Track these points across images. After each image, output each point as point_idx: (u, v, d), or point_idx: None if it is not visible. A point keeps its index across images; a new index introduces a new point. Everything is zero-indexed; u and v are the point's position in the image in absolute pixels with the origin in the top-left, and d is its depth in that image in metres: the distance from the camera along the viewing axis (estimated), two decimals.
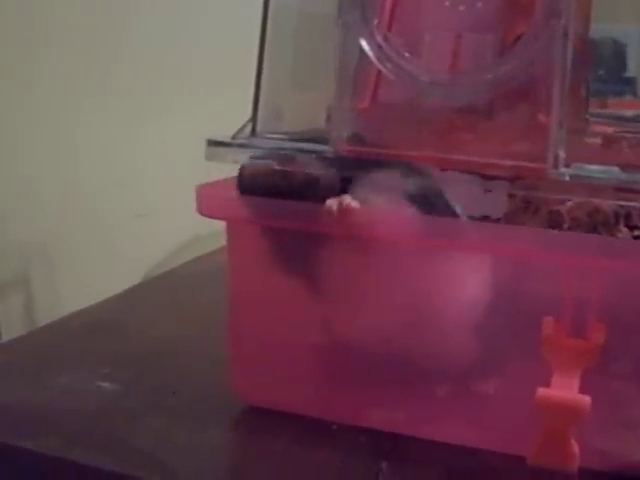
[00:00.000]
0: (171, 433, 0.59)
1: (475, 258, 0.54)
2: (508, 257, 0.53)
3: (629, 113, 0.63)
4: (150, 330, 0.79)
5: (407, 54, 0.55)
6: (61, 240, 1.10)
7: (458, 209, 0.55)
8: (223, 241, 0.62)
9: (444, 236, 0.53)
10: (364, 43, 0.55)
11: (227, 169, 0.60)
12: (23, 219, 1.04)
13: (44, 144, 1.06)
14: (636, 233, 0.56)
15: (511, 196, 0.61)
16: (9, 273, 1.04)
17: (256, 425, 0.61)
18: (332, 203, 0.52)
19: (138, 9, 1.21)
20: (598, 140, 0.60)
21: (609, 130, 0.61)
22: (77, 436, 0.59)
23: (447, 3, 0.58)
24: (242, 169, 0.57)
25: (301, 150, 0.56)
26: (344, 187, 0.55)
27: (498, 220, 0.57)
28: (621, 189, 0.50)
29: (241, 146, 0.58)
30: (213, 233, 0.86)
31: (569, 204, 0.58)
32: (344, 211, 0.52)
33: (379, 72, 0.56)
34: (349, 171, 0.55)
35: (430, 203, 0.54)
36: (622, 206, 0.57)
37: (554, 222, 0.58)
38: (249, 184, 0.56)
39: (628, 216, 0.58)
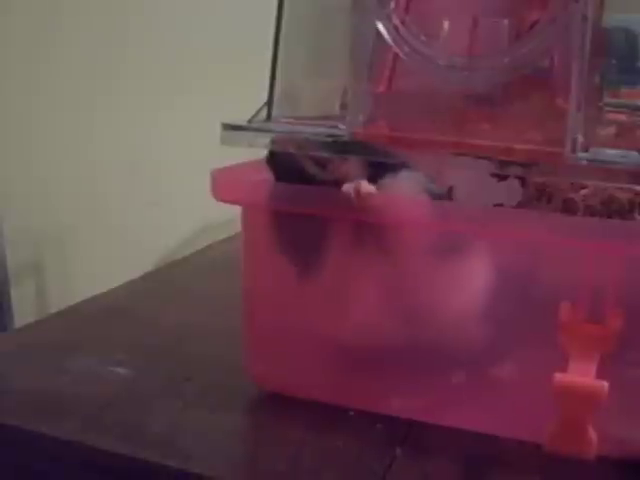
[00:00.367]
0: (186, 418, 0.60)
1: (492, 243, 0.54)
2: (525, 242, 0.53)
3: None
4: (164, 317, 0.80)
5: (424, 37, 0.55)
6: (74, 228, 1.10)
7: None
8: (235, 229, 0.62)
9: (461, 221, 0.53)
10: (381, 26, 0.55)
11: (237, 160, 0.60)
12: (36, 207, 1.04)
13: (57, 132, 1.06)
14: None
15: (525, 185, 0.60)
16: (22, 260, 1.04)
17: (271, 411, 0.61)
18: (349, 188, 0.52)
19: None
20: (613, 128, 0.59)
21: (623, 118, 0.60)
22: (92, 421, 0.59)
23: None
24: (273, 155, 0.57)
25: (317, 134, 0.55)
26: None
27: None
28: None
29: (257, 130, 0.58)
30: (225, 221, 0.86)
31: (583, 192, 0.58)
32: (362, 196, 0.52)
33: (395, 56, 0.56)
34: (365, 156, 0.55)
35: None
36: (637, 194, 0.57)
37: (568, 210, 0.57)
38: (284, 170, 0.56)
39: None
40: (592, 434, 0.48)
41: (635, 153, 0.50)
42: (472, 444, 0.57)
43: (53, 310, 0.86)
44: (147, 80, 1.19)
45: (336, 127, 0.56)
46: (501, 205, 0.62)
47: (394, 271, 0.55)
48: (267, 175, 0.58)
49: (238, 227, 0.61)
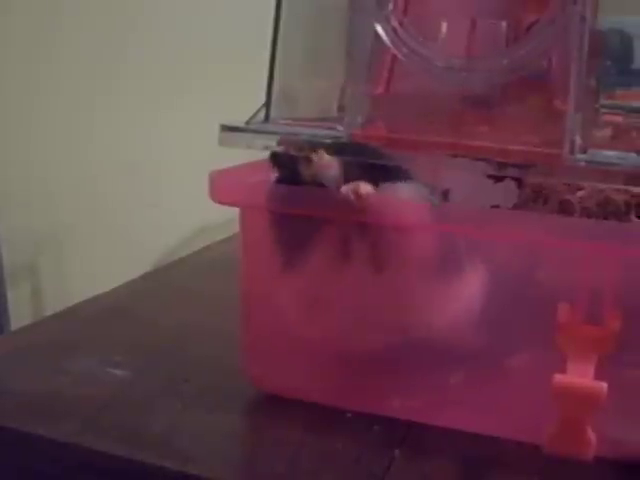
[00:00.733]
0: (184, 420, 0.59)
1: (490, 245, 0.54)
2: (523, 244, 0.53)
3: (638, 104, 0.63)
4: (162, 318, 0.79)
5: (422, 39, 0.55)
6: (70, 228, 1.10)
7: None
8: (232, 230, 0.62)
9: (458, 222, 0.53)
10: (379, 28, 0.55)
11: (236, 161, 0.60)
12: (33, 207, 1.04)
13: (56, 133, 1.06)
14: None
15: (521, 186, 0.61)
16: (18, 261, 1.04)
17: (269, 412, 0.61)
18: (348, 189, 0.52)
19: None
20: (609, 130, 0.59)
21: (619, 120, 0.60)
22: (90, 423, 0.59)
23: None
24: (276, 157, 0.57)
25: (315, 136, 0.55)
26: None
27: None
28: (638, 176, 0.50)
29: (255, 131, 0.58)
30: (222, 222, 0.86)
31: (580, 194, 0.58)
32: (361, 197, 0.52)
33: (394, 58, 0.56)
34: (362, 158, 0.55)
35: None
36: (633, 196, 0.57)
37: (565, 212, 0.57)
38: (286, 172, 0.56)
39: (639, 206, 0.57)
40: (591, 435, 0.48)
41: (633, 154, 0.50)
42: (471, 445, 0.57)
43: (49, 312, 0.86)
44: (146, 81, 1.19)
45: (334, 129, 0.56)
46: (497, 207, 0.62)
47: (392, 273, 0.55)
48: (265, 176, 0.58)
49: (236, 228, 0.61)
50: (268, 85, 0.59)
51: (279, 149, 0.56)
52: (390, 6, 0.55)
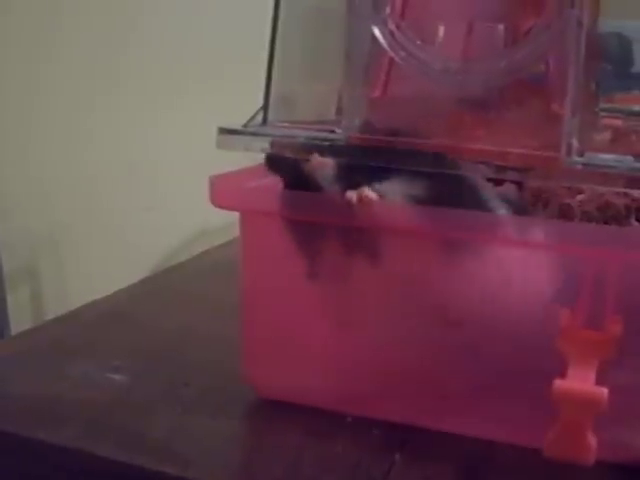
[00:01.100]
0: (185, 424, 0.59)
1: (493, 250, 0.54)
2: (524, 248, 0.53)
3: (637, 108, 0.63)
4: (161, 322, 0.79)
5: (419, 42, 0.55)
6: (70, 232, 1.10)
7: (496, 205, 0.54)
8: (231, 234, 0.62)
9: (459, 228, 0.52)
10: (376, 31, 0.54)
11: (235, 164, 0.60)
12: (32, 211, 1.04)
13: (53, 136, 1.06)
14: None
15: (521, 190, 0.60)
16: (18, 264, 1.04)
17: (269, 417, 0.61)
18: (352, 194, 0.52)
19: None
20: (608, 133, 0.59)
21: (618, 124, 0.60)
22: (90, 427, 0.59)
23: None
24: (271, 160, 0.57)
25: (313, 138, 0.55)
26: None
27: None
28: (635, 179, 0.49)
29: (252, 134, 0.57)
30: (221, 227, 0.86)
31: (579, 198, 0.58)
32: (363, 202, 0.52)
33: (391, 61, 0.56)
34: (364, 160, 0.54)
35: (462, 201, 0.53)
36: (633, 200, 0.57)
37: (564, 216, 0.57)
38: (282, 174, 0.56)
39: (639, 210, 0.57)
40: (592, 440, 0.48)
41: (630, 158, 0.50)
42: (471, 449, 0.57)
43: (49, 315, 0.86)
44: (146, 83, 1.19)
45: (332, 131, 0.56)
46: None
47: (392, 278, 0.55)
48: (266, 181, 0.58)
49: (235, 232, 0.61)
50: (266, 88, 0.59)
51: (272, 152, 0.56)
52: (387, 9, 0.55)
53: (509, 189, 0.59)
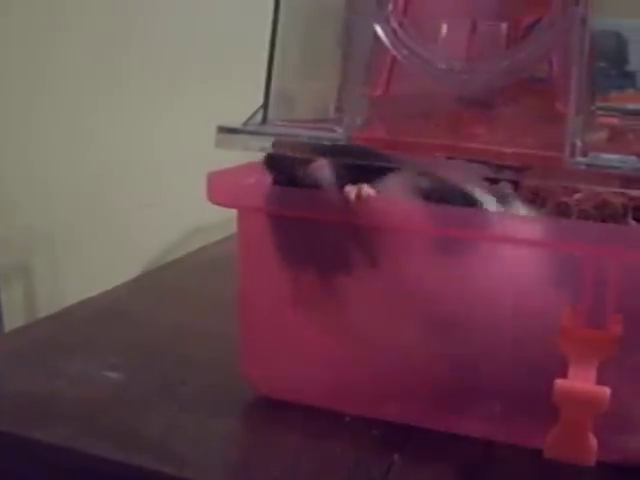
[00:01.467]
0: (181, 422, 0.59)
1: (491, 248, 0.53)
2: (524, 247, 0.52)
3: (633, 106, 0.63)
4: (157, 319, 0.79)
5: (422, 40, 0.54)
6: (65, 229, 1.09)
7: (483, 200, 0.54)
8: (228, 231, 0.61)
9: (457, 225, 0.52)
10: (379, 29, 0.54)
11: (234, 162, 0.60)
12: (27, 207, 1.03)
13: (50, 132, 1.05)
14: None
15: (518, 188, 0.60)
16: (12, 262, 1.03)
17: (267, 415, 0.61)
18: (350, 191, 0.52)
19: None
20: (605, 132, 0.59)
21: (614, 122, 0.60)
22: (86, 426, 0.58)
23: None
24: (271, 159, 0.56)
25: (313, 137, 0.55)
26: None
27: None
28: (635, 178, 0.49)
29: (252, 133, 0.57)
30: (217, 223, 0.85)
31: (577, 196, 0.58)
32: (362, 199, 0.51)
33: (393, 59, 0.56)
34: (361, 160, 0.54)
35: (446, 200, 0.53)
36: (630, 199, 0.57)
37: (562, 214, 0.57)
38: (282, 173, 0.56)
39: (637, 209, 0.57)
40: (592, 440, 0.48)
41: (634, 158, 0.50)
42: (470, 450, 0.56)
43: (43, 313, 0.86)
44: (143, 80, 1.18)
45: (332, 130, 0.55)
46: None
47: (390, 275, 0.55)
48: (263, 178, 0.58)
49: (232, 228, 0.61)
50: (266, 86, 0.59)
51: (273, 152, 0.56)
52: (390, 7, 0.55)
53: (506, 187, 0.59)
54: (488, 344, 0.55)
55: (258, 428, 0.60)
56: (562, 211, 0.58)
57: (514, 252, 0.53)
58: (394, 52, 0.54)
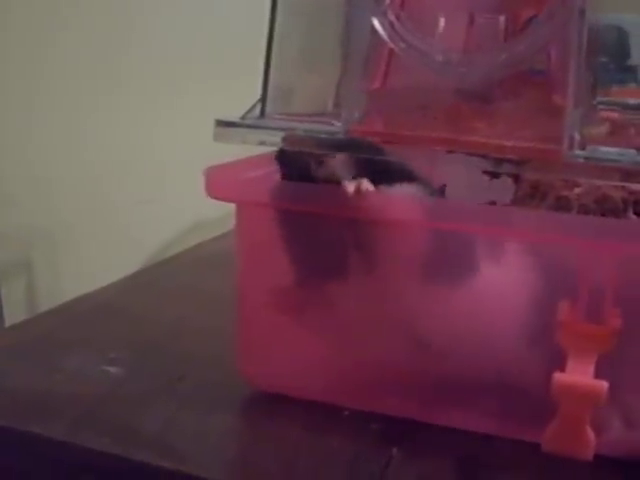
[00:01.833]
0: (179, 418, 0.59)
1: (489, 242, 0.53)
2: (522, 240, 0.52)
3: (634, 101, 0.63)
4: (156, 315, 0.79)
5: (420, 33, 0.54)
6: (64, 224, 1.09)
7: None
8: (226, 226, 0.61)
9: (456, 220, 0.52)
10: (376, 22, 0.54)
11: (233, 156, 0.60)
12: (26, 203, 1.03)
13: (50, 129, 1.05)
14: None
15: (518, 182, 0.60)
16: (12, 257, 1.03)
17: (265, 410, 0.60)
18: (349, 185, 0.51)
19: None
20: (606, 126, 0.59)
21: (615, 117, 0.60)
22: (84, 421, 0.58)
23: None
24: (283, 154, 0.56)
25: (311, 131, 0.55)
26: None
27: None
28: (634, 172, 0.49)
29: (250, 126, 0.57)
30: (216, 219, 0.85)
31: (577, 190, 0.58)
32: (360, 193, 0.51)
33: (391, 52, 0.56)
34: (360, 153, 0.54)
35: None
36: (631, 193, 0.57)
37: (562, 208, 0.57)
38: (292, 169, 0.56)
39: (637, 203, 0.57)
40: (590, 434, 0.48)
41: (632, 151, 0.50)
42: (469, 444, 0.56)
43: (43, 308, 0.85)
44: (141, 75, 1.18)
45: (331, 124, 0.55)
46: (494, 203, 0.62)
47: (391, 271, 0.55)
48: (262, 172, 0.58)
49: (230, 224, 0.60)
50: (264, 80, 0.59)
51: (285, 147, 0.56)
52: (387, 0, 0.55)
53: (506, 181, 0.59)
54: (487, 337, 0.55)
55: (257, 423, 0.60)
56: (562, 205, 0.58)
57: (513, 245, 0.53)
58: (392, 45, 0.54)
